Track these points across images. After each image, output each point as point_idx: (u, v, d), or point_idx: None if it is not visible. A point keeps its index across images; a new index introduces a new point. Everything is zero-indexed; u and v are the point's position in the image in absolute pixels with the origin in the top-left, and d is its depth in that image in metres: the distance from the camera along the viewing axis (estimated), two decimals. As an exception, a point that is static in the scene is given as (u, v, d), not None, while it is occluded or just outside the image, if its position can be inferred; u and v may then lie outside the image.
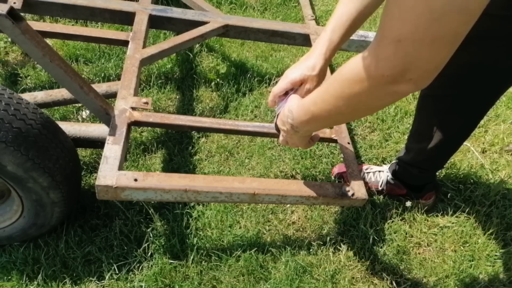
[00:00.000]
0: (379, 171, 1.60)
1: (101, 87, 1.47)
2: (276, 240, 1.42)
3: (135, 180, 1.04)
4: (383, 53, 0.62)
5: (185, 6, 1.84)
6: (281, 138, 1.05)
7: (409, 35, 0.57)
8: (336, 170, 1.63)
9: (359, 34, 1.81)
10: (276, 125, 1.06)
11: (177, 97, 1.85)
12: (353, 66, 0.69)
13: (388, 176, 1.57)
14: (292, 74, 1.01)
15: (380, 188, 1.58)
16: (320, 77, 1.00)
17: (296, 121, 0.91)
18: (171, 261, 1.30)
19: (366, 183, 1.58)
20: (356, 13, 0.98)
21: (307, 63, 1.01)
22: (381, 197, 1.59)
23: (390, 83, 0.64)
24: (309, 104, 0.85)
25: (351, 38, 1.80)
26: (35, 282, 1.22)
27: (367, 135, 1.84)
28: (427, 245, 1.49)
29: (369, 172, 1.62)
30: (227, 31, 1.71)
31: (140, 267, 1.29)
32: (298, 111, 0.90)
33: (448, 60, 0.61)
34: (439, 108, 1.27)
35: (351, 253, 1.41)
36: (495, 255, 1.47)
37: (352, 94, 0.71)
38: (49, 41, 1.91)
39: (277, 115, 1.03)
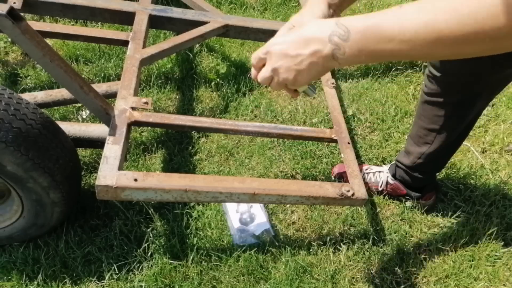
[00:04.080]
0: (379, 172, 1.60)
1: (101, 87, 1.47)
2: (276, 240, 1.42)
3: (135, 180, 1.04)
4: None
5: (185, 6, 1.84)
6: (272, 64, 0.71)
7: None
8: (336, 170, 1.63)
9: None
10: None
11: (177, 97, 1.85)
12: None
13: (388, 176, 1.57)
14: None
15: (380, 189, 1.58)
16: None
17: (351, 44, 0.60)
18: (171, 261, 1.30)
19: (366, 183, 1.58)
20: None
21: (311, 11, 0.80)
22: (381, 197, 1.59)
23: None
24: (392, 29, 0.57)
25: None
26: (35, 282, 1.22)
27: (367, 135, 1.84)
28: (427, 245, 1.49)
29: (369, 173, 1.62)
30: (227, 31, 1.71)
31: (140, 267, 1.29)
32: (363, 34, 0.59)
33: None
34: (440, 114, 1.28)
35: (351, 253, 1.41)
36: (495, 255, 1.47)
37: (470, 31, 0.51)
38: (49, 41, 1.91)
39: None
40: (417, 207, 1.56)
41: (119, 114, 1.19)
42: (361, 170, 1.62)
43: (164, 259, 1.30)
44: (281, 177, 1.62)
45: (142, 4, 1.65)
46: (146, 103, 1.22)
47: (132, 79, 1.31)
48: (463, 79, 1.15)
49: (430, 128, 1.33)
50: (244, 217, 1.42)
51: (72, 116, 1.67)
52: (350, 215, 1.51)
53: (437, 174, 1.64)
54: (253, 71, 0.77)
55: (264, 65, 0.73)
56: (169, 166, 1.57)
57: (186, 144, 1.66)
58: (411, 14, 0.56)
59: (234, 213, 1.43)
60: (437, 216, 1.57)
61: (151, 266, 1.29)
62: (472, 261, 1.45)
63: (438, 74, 1.20)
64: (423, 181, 1.52)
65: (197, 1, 1.80)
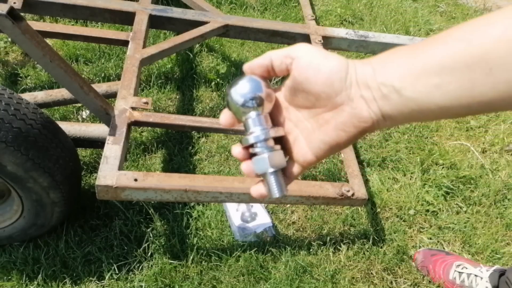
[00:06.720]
0: (476, 276, 1.31)
1: (101, 87, 1.47)
2: (276, 240, 1.42)
3: (135, 180, 1.04)
4: None
5: (185, 6, 1.84)
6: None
7: None
8: (419, 257, 1.42)
9: (359, 34, 1.81)
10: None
11: (177, 97, 1.85)
12: None
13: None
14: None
15: None
16: None
17: (410, 99, 0.40)
18: (171, 261, 1.30)
19: (453, 283, 1.34)
20: None
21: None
22: (381, 197, 1.59)
23: None
24: None
25: (351, 38, 1.80)
26: (35, 282, 1.22)
27: (367, 135, 1.84)
28: (427, 245, 1.49)
29: (462, 273, 1.34)
30: (227, 31, 1.71)
31: (140, 267, 1.29)
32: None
33: None
34: None
35: (351, 253, 1.41)
36: (495, 255, 1.47)
37: None
38: (49, 41, 1.91)
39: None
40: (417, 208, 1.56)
41: (119, 114, 1.19)
42: (450, 264, 1.36)
43: (164, 259, 1.30)
44: (281, 177, 1.61)
45: (142, 4, 1.65)
46: (146, 103, 1.22)
47: (132, 79, 1.31)
48: None
49: None
50: (245, 215, 1.42)
51: (72, 116, 1.67)
52: (350, 215, 1.51)
53: (438, 175, 1.64)
54: None
55: None
56: (169, 166, 1.57)
57: (186, 144, 1.66)
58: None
59: (235, 211, 1.43)
60: (437, 216, 1.57)
61: (151, 266, 1.29)
62: (472, 261, 1.45)
63: None
64: None
65: (197, 1, 1.80)
